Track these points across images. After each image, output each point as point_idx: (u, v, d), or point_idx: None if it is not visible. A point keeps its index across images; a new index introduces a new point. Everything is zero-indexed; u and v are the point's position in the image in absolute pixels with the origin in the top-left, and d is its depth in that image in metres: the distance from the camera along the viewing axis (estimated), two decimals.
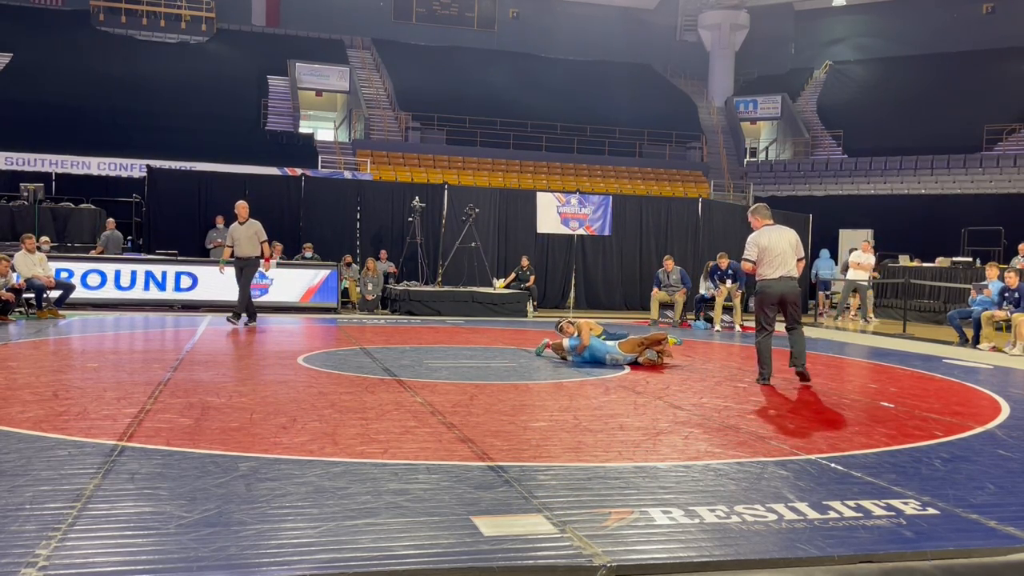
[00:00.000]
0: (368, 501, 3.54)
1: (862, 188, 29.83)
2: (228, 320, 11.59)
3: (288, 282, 14.74)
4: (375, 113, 32.67)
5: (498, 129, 31.54)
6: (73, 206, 16.93)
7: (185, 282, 14.32)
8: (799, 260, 7.44)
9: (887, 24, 38.33)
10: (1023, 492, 4.05)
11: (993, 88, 32.07)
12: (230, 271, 12.16)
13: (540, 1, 40.54)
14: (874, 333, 14.08)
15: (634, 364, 8.37)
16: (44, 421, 4.98)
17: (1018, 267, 12.30)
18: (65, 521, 3.18)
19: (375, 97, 33.79)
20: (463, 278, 16.32)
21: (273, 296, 14.61)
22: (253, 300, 12.58)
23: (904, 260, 19.07)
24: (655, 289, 14.63)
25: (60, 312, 12.20)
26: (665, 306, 14.66)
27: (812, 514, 3.54)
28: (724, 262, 14.03)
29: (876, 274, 17.46)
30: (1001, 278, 11.84)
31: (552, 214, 16.14)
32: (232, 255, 11.79)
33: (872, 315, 16.88)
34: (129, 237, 18.44)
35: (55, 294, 12.34)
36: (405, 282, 16.02)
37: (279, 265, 14.78)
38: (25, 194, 16.26)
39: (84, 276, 13.81)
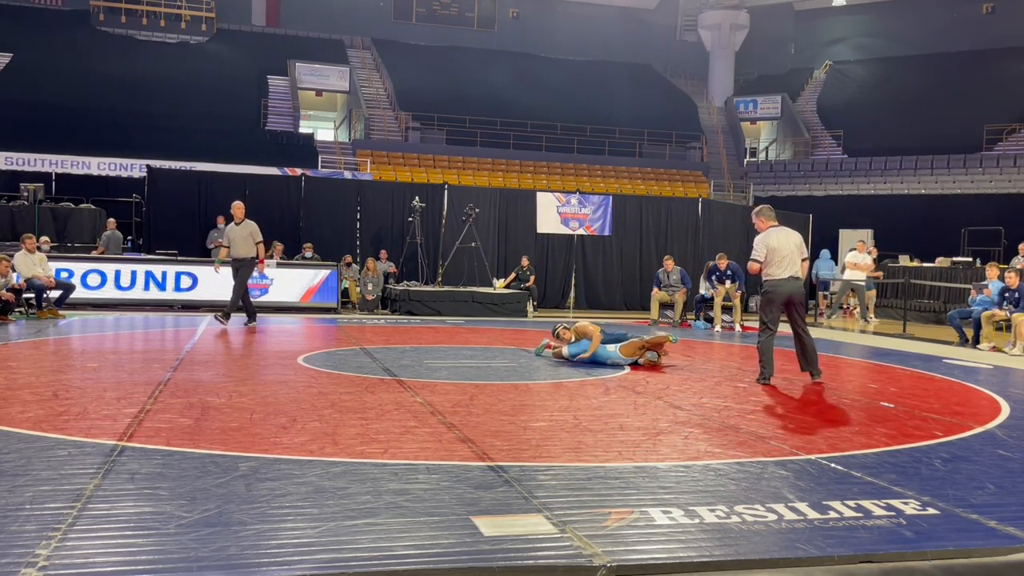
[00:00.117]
0: (368, 501, 3.54)
1: (862, 188, 29.83)
2: (217, 319, 11.53)
3: (288, 282, 14.74)
4: (375, 113, 32.67)
5: (498, 129, 31.54)
6: (73, 206, 16.92)
7: (185, 282, 14.32)
8: (804, 261, 7.52)
9: (887, 24, 38.33)
10: (1023, 492, 4.06)
11: (993, 88, 32.07)
12: (226, 271, 12.13)
13: (540, 1, 40.54)
14: (874, 333, 14.09)
15: (634, 364, 8.37)
16: (44, 421, 4.98)
17: (1018, 267, 12.30)
18: (65, 521, 3.18)
19: (375, 97, 33.79)
20: (463, 278, 16.32)
21: (273, 296, 14.61)
22: (253, 300, 12.58)
23: (904, 260, 19.08)
24: (655, 289, 14.63)
25: (60, 312, 12.20)
26: (665, 306, 14.66)
27: (812, 514, 3.54)
28: (723, 263, 14.03)
29: (880, 274, 17.47)
30: (1001, 278, 11.84)
31: (552, 214, 16.13)
32: (228, 255, 11.79)
33: (872, 315, 16.88)
34: (129, 237, 18.44)
35: (55, 294, 12.34)
36: (405, 282, 16.02)
37: (279, 265, 14.79)
38: (25, 194, 16.26)
39: (84, 276, 13.81)
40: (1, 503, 3.38)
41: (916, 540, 3.26)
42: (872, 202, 27.90)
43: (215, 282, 13.67)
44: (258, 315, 12.27)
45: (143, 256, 15.34)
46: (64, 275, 13.11)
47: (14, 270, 11.89)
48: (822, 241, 21.67)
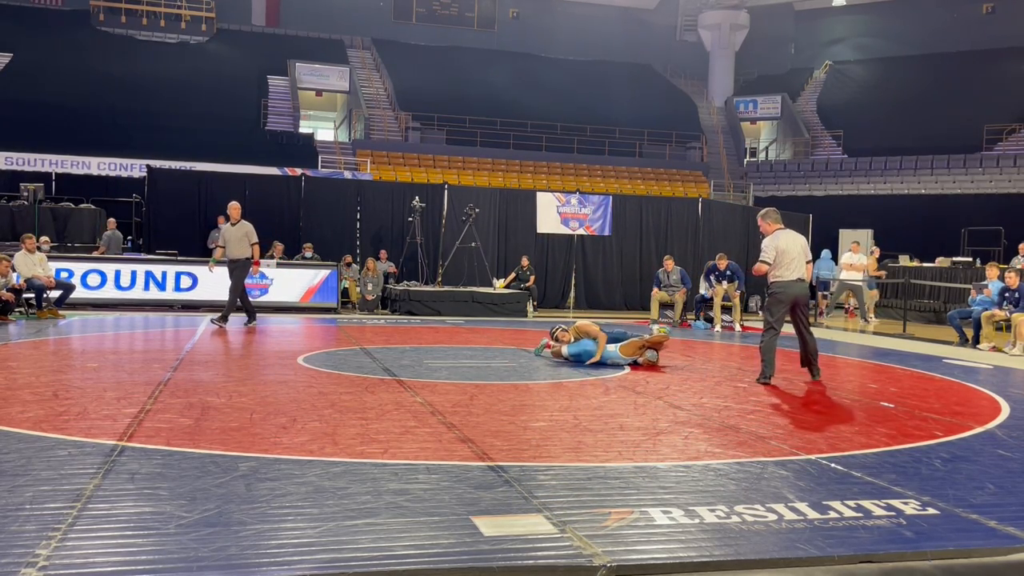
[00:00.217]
0: (368, 501, 3.54)
1: (862, 188, 29.83)
2: (214, 323, 11.40)
3: (288, 282, 14.74)
4: (375, 113, 32.67)
5: (498, 129, 31.54)
6: (73, 206, 16.92)
7: (185, 282, 14.32)
8: (808, 263, 7.66)
9: (887, 24, 38.33)
10: (1023, 492, 4.06)
11: (993, 88, 32.06)
12: (221, 271, 12.07)
13: (540, 1, 40.54)
14: (874, 333, 14.09)
15: (634, 364, 8.37)
16: (44, 421, 4.98)
17: (1018, 267, 12.30)
18: (65, 521, 3.18)
19: (375, 97, 33.79)
20: (463, 278, 16.32)
21: (273, 296, 14.61)
22: (253, 300, 12.56)
23: (904, 260, 19.08)
24: (655, 289, 14.63)
25: (60, 312, 12.19)
26: (665, 306, 14.66)
27: (812, 514, 3.54)
28: (723, 263, 14.02)
29: (882, 273, 17.47)
30: (1001, 278, 11.85)
31: (552, 214, 16.12)
32: (224, 256, 11.72)
33: (872, 315, 16.89)
34: (129, 237, 18.45)
35: (55, 294, 12.34)
36: (405, 282, 16.02)
37: (279, 265, 14.79)
38: (25, 194, 16.26)
39: (84, 276, 13.81)
40: (1, 503, 3.39)
41: (916, 540, 3.26)
42: (872, 202, 27.90)
43: (215, 282, 13.66)
44: (258, 315, 12.26)
45: (143, 256, 15.35)
46: (64, 275, 13.11)
47: (14, 270, 11.89)
48: (822, 241, 21.66)
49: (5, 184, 19.15)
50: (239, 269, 11.58)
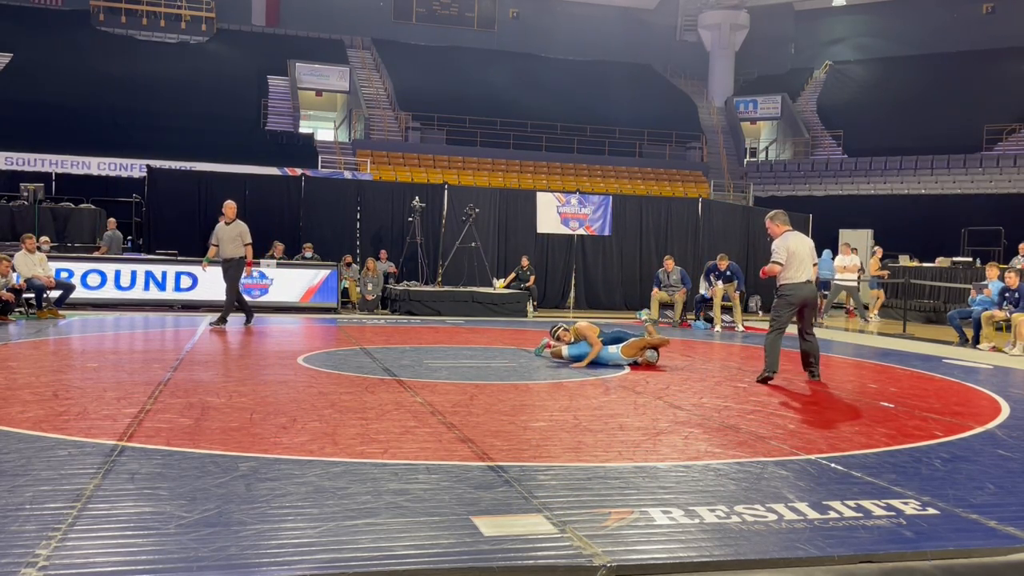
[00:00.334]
0: (368, 501, 3.54)
1: (862, 188, 29.83)
2: (212, 326, 11.19)
3: (288, 282, 14.74)
4: (375, 113, 32.67)
5: (498, 129, 31.54)
6: (73, 206, 16.92)
7: (185, 282, 14.31)
8: (814, 265, 7.73)
9: (887, 24, 38.33)
10: (1023, 492, 4.06)
11: (993, 88, 32.07)
12: (214, 270, 11.97)
13: (540, 1, 40.54)
14: (874, 333, 14.09)
15: (634, 364, 8.37)
16: (44, 421, 4.98)
17: (1018, 267, 12.30)
18: (65, 521, 3.18)
19: (375, 97, 33.79)
20: (463, 278, 16.32)
21: (273, 296, 14.61)
22: (254, 300, 12.52)
23: (904, 260, 19.08)
24: (655, 289, 14.63)
25: (60, 312, 12.19)
26: (665, 306, 14.65)
27: (812, 514, 3.54)
28: (723, 264, 14.01)
29: (886, 273, 17.45)
30: (1001, 278, 11.84)
31: (552, 214, 16.11)
32: (217, 255, 11.54)
33: (874, 314, 16.89)
34: (129, 237, 18.45)
35: (55, 294, 12.33)
36: (405, 282, 16.02)
37: (279, 265, 14.79)
38: (25, 194, 16.26)
39: (84, 276, 13.81)
40: (1, 503, 3.38)
41: (916, 540, 3.26)
42: (872, 202, 27.90)
43: (215, 282, 13.61)
44: (258, 315, 12.22)
45: (143, 256, 15.34)
46: (64, 275, 13.10)
47: (14, 270, 11.89)
48: (822, 241, 21.56)
49: (5, 184, 19.16)
50: (233, 269, 11.42)
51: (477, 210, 16.12)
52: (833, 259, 17.68)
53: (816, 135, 34.60)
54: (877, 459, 4.63)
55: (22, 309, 12.09)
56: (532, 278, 16.53)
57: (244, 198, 15.61)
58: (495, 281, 16.33)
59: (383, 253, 16.55)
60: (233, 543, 2.99)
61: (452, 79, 34.18)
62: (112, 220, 16.73)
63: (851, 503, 3.72)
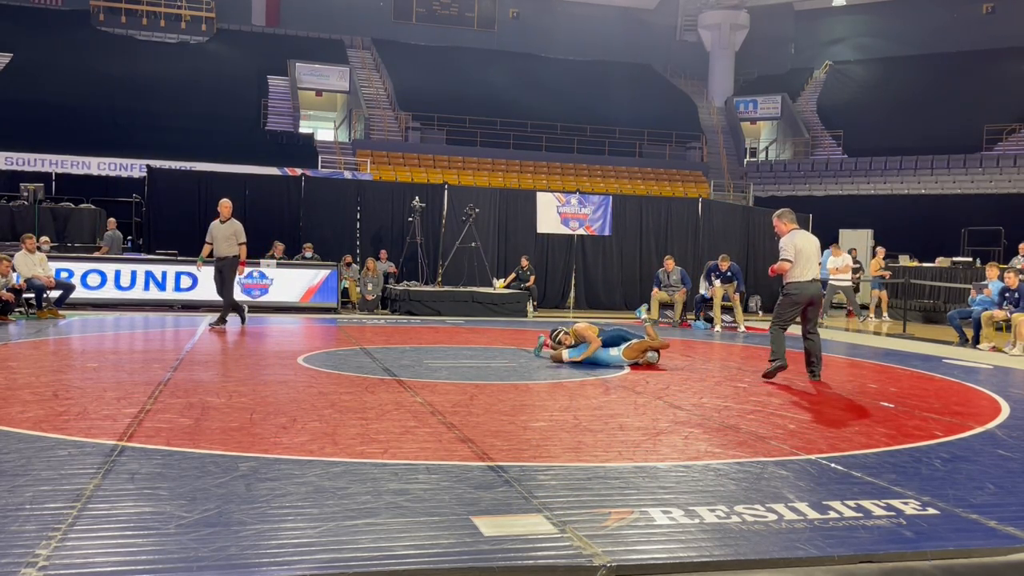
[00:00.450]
0: (368, 501, 3.54)
1: (862, 188, 29.83)
2: (211, 327, 11.12)
3: (288, 282, 14.74)
4: (375, 113, 32.67)
5: (498, 129, 31.54)
6: (73, 206, 16.93)
7: (185, 282, 14.32)
8: (819, 264, 7.77)
9: (887, 24, 38.33)
10: (1023, 492, 4.05)
11: (993, 88, 32.07)
12: (208, 269, 11.86)
13: (540, 1, 40.54)
14: (874, 333, 14.09)
15: (634, 364, 8.37)
16: (44, 421, 4.98)
17: (1018, 267, 12.30)
18: (65, 521, 3.18)
19: (375, 97, 33.79)
20: (463, 278, 16.32)
21: (273, 296, 14.61)
22: (254, 301, 12.50)
23: (904, 260, 19.07)
24: (655, 289, 14.63)
25: (60, 312, 12.19)
26: (665, 306, 14.66)
27: (812, 514, 3.54)
28: (724, 264, 14.01)
29: (888, 273, 17.44)
30: (1001, 278, 11.84)
31: (552, 214, 16.12)
32: (211, 253, 11.42)
33: (873, 315, 16.89)
34: (129, 237, 18.45)
35: (55, 294, 12.33)
36: (405, 282, 16.02)
37: (279, 265, 14.79)
38: (25, 194, 16.27)
39: (84, 276, 13.81)
40: (1, 503, 3.38)
41: (916, 540, 3.26)
42: (872, 202, 27.90)
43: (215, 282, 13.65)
44: (258, 315, 12.20)
45: (143, 256, 15.34)
46: (64, 275, 13.11)
47: (14, 270, 11.89)
48: (822, 242, 21.63)
49: (5, 184, 19.16)
50: (227, 268, 11.29)
51: (477, 210, 16.12)
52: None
53: (816, 135, 34.60)
54: (877, 459, 4.63)
55: (22, 309, 12.09)
56: (532, 278, 16.53)
57: (244, 198, 15.63)
58: (495, 281, 16.33)
59: (383, 253, 16.55)
60: (233, 543, 2.99)
61: (452, 79, 34.18)
62: (112, 220, 16.73)
63: (851, 503, 3.72)
